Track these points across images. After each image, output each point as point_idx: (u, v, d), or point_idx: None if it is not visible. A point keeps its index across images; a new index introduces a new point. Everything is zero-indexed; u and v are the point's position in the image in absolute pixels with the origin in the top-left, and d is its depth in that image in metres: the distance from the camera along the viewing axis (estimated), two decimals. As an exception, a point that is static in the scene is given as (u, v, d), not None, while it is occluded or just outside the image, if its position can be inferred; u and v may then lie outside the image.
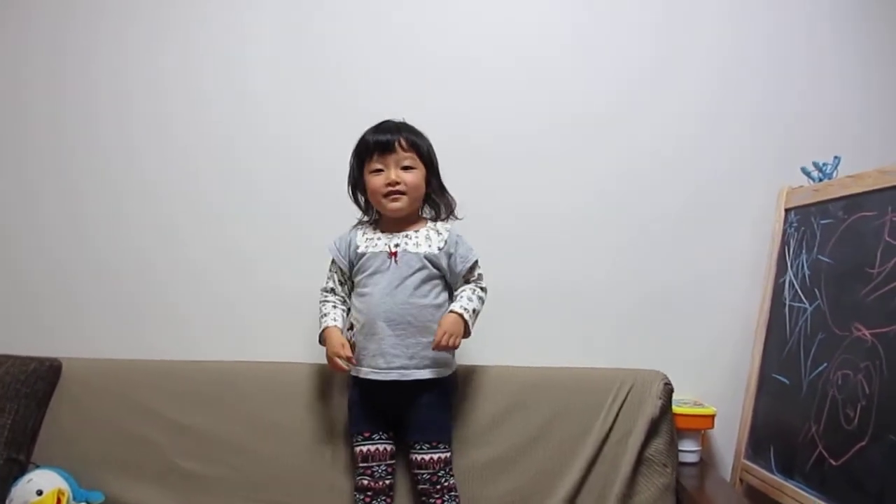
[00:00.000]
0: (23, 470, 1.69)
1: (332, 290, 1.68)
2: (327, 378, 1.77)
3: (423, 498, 1.60)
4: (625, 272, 1.93)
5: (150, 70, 2.03)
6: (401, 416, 1.62)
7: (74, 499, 1.65)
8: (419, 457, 1.59)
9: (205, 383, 1.80)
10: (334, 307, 1.65)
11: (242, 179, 2.00)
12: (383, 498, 1.61)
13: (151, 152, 2.02)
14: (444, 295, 1.63)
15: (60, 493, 1.63)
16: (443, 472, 1.59)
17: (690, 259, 1.92)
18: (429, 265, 1.60)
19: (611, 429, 1.67)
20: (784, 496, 1.58)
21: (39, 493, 1.61)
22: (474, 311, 1.60)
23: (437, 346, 1.55)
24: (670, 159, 1.93)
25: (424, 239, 1.62)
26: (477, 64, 1.96)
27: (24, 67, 2.06)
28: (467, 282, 1.63)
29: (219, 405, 1.77)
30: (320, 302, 1.67)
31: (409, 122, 1.65)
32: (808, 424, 1.56)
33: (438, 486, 1.58)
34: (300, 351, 1.84)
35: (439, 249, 1.61)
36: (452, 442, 1.65)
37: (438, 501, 1.58)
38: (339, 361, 1.57)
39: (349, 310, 1.67)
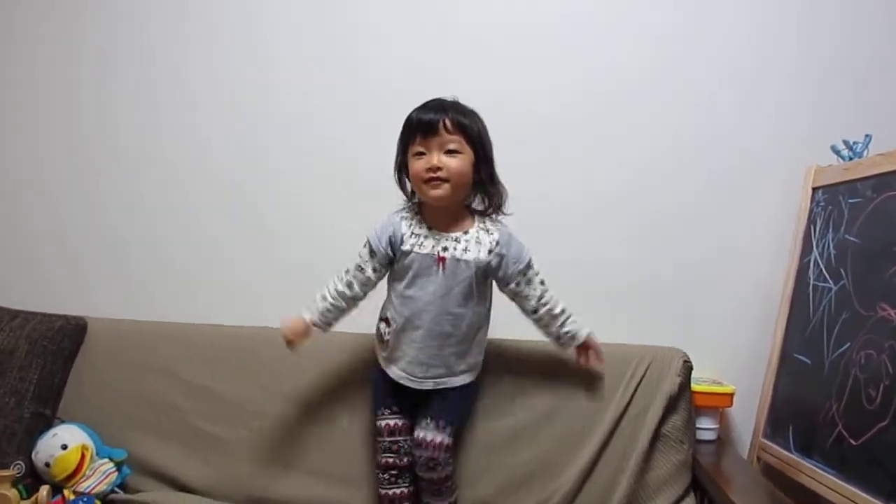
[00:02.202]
0: (48, 424, 1.73)
1: (347, 272, 1.55)
2: (345, 347, 1.78)
3: (423, 485, 1.56)
4: (648, 248, 1.92)
5: (168, 42, 2.06)
6: (426, 404, 1.57)
7: (98, 454, 1.69)
8: (422, 434, 1.52)
9: (226, 348, 1.82)
10: (324, 299, 1.54)
11: (260, 152, 2.02)
12: (407, 474, 1.58)
13: (169, 124, 2.05)
14: (486, 304, 1.57)
15: (84, 448, 1.66)
16: (442, 457, 1.52)
17: (714, 237, 1.91)
18: (480, 271, 1.51)
19: (628, 404, 1.67)
20: (802, 475, 1.58)
21: (64, 447, 1.64)
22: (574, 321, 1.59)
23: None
24: (696, 136, 1.91)
25: (475, 243, 1.51)
26: (501, 39, 1.95)
27: (41, 42, 2.09)
28: (529, 283, 1.54)
29: (239, 369, 1.79)
30: (327, 283, 1.56)
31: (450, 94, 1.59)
32: (829, 404, 1.55)
33: (435, 477, 1.53)
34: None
35: (489, 252, 1.51)
36: (459, 434, 1.61)
37: (435, 490, 1.55)
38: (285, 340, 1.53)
39: (353, 298, 1.55)
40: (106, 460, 1.68)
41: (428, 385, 1.54)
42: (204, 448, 1.74)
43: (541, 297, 1.56)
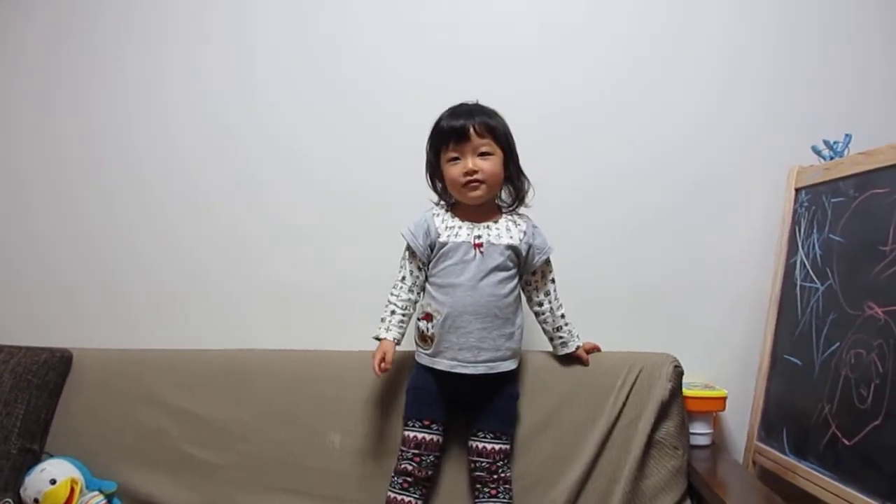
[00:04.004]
0: (36, 459, 1.71)
1: (403, 279, 1.62)
2: (332, 365, 1.77)
3: (478, 485, 1.59)
4: (635, 254, 1.92)
5: (148, 60, 2.04)
6: (473, 404, 1.61)
7: (88, 487, 1.67)
8: (480, 445, 1.59)
9: (211, 372, 1.80)
10: (393, 313, 1.59)
11: (241, 172, 2.01)
12: (421, 487, 1.59)
13: (148, 143, 2.04)
14: (519, 287, 1.63)
15: (74, 482, 1.64)
16: (501, 462, 1.59)
17: (701, 241, 1.91)
18: (512, 255, 1.59)
19: (621, 412, 1.66)
20: (798, 477, 1.57)
21: (53, 482, 1.62)
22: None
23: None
24: (679, 141, 1.91)
25: (506, 230, 1.60)
26: (487, 43, 1.95)
27: (18, 55, 2.07)
28: (543, 277, 1.66)
29: (227, 393, 1.77)
30: (389, 295, 1.62)
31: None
32: (821, 405, 1.54)
33: (495, 477, 1.58)
34: (299, 339, 1.86)
35: (520, 240, 1.60)
36: (515, 436, 1.65)
37: (493, 491, 1.57)
38: (376, 368, 1.56)
39: (415, 301, 1.63)
40: (96, 493, 1.66)
41: (481, 369, 1.56)
42: (194, 474, 1.72)
43: (548, 293, 1.66)
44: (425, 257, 1.61)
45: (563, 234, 1.90)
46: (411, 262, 1.63)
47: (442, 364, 1.58)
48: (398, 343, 1.60)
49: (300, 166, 2.00)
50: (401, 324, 1.60)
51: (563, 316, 1.67)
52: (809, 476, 1.53)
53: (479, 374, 1.56)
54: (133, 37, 2.04)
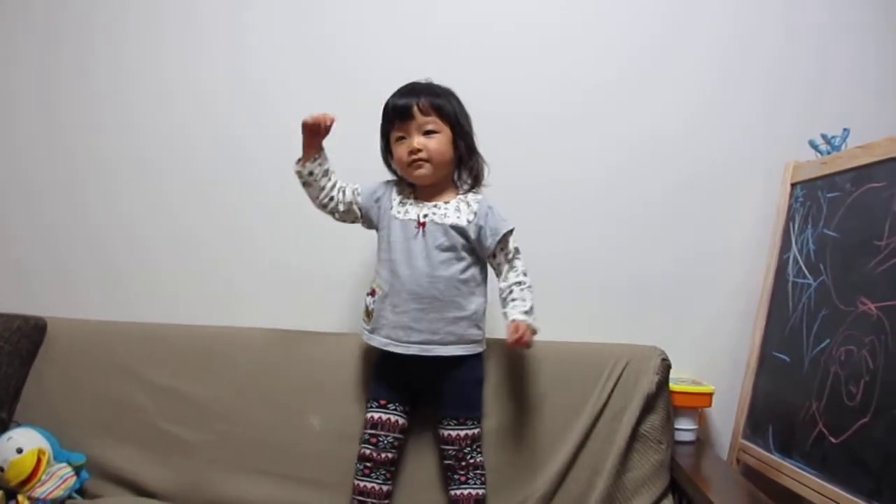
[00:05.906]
0: (4, 427, 1.66)
1: (343, 182, 1.62)
2: (316, 346, 1.74)
3: (449, 473, 1.57)
4: (626, 247, 1.89)
5: (147, 40, 2.01)
6: (429, 389, 1.57)
7: (55, 459, 1.63)
8: (445, 432, 1.56)
9: (192, 348, 1.76)
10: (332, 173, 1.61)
11: (238, 150, 1.98)
12: (383, 471, 1.56)
13: (146, 120, 2.00)
14: (474, 270, 1.56)
15: (41, 452, 1.60)
16: (469, 448, 1.56)
17: (693, 236, 1.88)
18: (457, 236, 1.53)
19: (605, 404, 1.63)
20: (782, 475, 1.54)
21: (20, 451, 1.58)
22: (532, 308, 1.50)
23: (512, 344, 1.47)
24: (675, 134, 1.89)
25: (454, 210, 1.55)
26: (482, 32, 1.92)
27: (19, 37, 2.04)
28: (507, 258, 1.55)
29: (205, 370, 1.73)
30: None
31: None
32: (809, 402, 1.52)
33: (464, 463, 1.55)
34: (288, 319, 1.82)
35: (468, 221, 1.54)
36: (482, 419, 1.61)
37: (462, 478, 1.55)
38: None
39: (331, 183, 1.60)
40: (64, 465, 1.62)
41: (413, 350, 1.52)
42: (167, 451, 1.68)
43: (510, 280, 1.54)
44: (364, 204, 1.60)
45: (556, 226, 1.90)
46: (353, 193, 1.61)
47: (376, 340, 1.56)
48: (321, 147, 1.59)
49: (297, 147, 1.95)
50: (325, 161, 1.59)
51: (510, 292, 1.52)
52: (794, 474, 1.51)
53: (411, 355, 1.52)
54: (131, 21, 2.01)
